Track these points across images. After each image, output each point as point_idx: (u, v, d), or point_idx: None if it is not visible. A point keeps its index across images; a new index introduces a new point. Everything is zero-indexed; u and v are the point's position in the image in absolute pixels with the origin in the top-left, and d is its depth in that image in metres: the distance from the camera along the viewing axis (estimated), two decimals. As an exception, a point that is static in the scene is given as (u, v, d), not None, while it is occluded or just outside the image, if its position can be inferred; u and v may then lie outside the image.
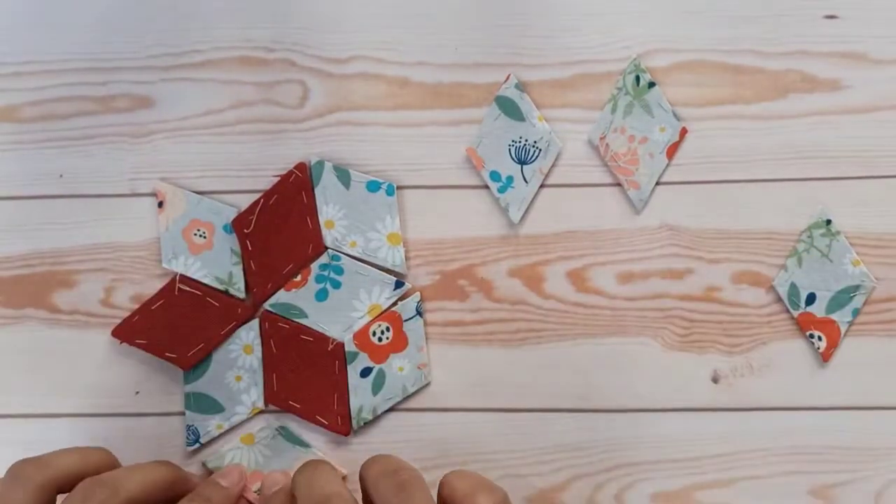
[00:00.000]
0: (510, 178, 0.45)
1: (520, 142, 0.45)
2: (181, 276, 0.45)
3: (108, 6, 0.46)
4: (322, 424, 0.45)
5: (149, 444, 0.46)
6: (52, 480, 0.38)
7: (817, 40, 0.45)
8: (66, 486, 0.38)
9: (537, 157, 0.45)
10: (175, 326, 0.45)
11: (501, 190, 0.45)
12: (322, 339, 0.45)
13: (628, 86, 0.44)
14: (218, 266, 0.45)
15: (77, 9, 0.46)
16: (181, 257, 0.45)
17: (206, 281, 0.45)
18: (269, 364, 0.45)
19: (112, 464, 0.41)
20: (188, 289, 0.45)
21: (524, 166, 0.45)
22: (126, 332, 0.45)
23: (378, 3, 0.45)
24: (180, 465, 0.43)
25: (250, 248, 0.45)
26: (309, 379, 0.45)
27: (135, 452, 0.46)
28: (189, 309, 0.45)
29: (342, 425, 0.45)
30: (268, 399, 0.45)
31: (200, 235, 0.45)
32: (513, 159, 0.45)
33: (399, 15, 0.45)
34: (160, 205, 0.45)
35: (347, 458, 0.46)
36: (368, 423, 0.45)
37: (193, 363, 0.45)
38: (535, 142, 0.45)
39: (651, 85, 0.44)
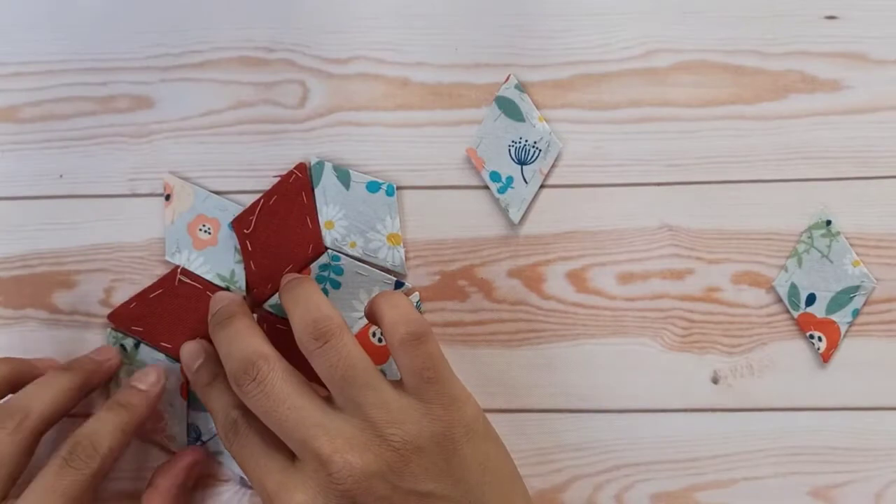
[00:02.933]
0: (510, 179, 0.45)
1: (520, 142, 0.45)
2: (182, 268, 0.45)
3: (108, 6, 0.46)
4: (320, 426, 0.45)
5: (149, 444, 0.46)
6: None
7: (818, 41, 0.45)
8: None
9: (537, 157, 0.45)
10: (172, 317, 0.45)
11: (501, 190, 0.45)
12: (321, 340, 0.45)
13: None
14: (221, 263, 0.45)
15: (77, 9, 0.46)
16: (184, 252, 0.45)
17: (208, 277, 0.45)
18: (268, 364, 0.45)
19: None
20: (189, 281, 0.45)
21: (524, 167, 0.45)
22: (122, 317, 0.45)
23: (378, 3, 0.45)
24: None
25: (250, 249, 0.45)
26: (306, 381, 0.45)
27: (136, 453, 0.46)
28: (188, 301, 0.45)
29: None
30: (265, 399, 0.45)
31: (205, 231, 0.45)
32: (513, 160, 0.45)
33: (399, 15, 0.45)
34: (167, 198, 0.45)
35: (347, 458, 0.46)
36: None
37: None
38: (535, 142, 0.45)
39: None
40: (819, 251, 0.44)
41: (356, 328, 0.45)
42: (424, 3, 0.45)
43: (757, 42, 0.45)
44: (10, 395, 0.41)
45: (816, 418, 0.45)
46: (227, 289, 0.45)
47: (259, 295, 0.45)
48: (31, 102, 0.46)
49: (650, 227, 0.45)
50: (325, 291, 0.45)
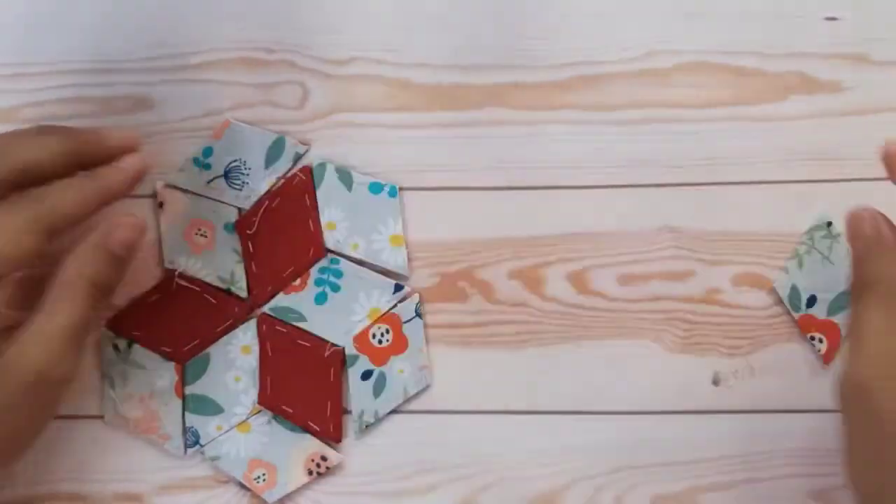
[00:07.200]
0: None
1: None
2: (179, 272, 0.45)
3: (108, 6, 0.46)
4: (314, 431, 0.45)
5: (150, 446, 0.46)
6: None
7: (818, 42, 0.45)
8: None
9: None
10: (171, 321, 0.45)
11: None
12: (319, 345, 0.45)
13: None
14: (220, 265, 0.45)
15: (77, 9, 0.46)
16: (182, 258, 0.45)
17: (208, 280, 0.45)
18: (265, 367, 0.45)
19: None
20: (186, 284, 0.45)
21: None
22: (120, 324, 0.45)
23: (378, 4, 0.46)
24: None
25: (252, 250, 0.45)
26: (303, 384, 0.45)
27: (137, 454, 0.45)
28: (186, 304, 0.45)
29: (334, 432, 0.45)
30: (261, 401, 0.45)
31: (202, 235, 0.45)
32: None
33: (399, 16, 0.45)
34: (160, 206, 0.45)
35: (347, 460, 0.45)
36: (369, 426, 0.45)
37: (188, 358, 0.45)
38: None
39: None
40: (820, 253, 0.44)
41: (356, 330, 0.45)
42: (424, 3, 0.45)
43: (757, 43, 0.45)
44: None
45: (817, 420, 0.45)
46: (228, 290, 0.45)
47: (260, 296, 0.45)
48: (32, 103, 0.46)
49: (651, 229, 0.45)
50: (325, 295, 0.45)
